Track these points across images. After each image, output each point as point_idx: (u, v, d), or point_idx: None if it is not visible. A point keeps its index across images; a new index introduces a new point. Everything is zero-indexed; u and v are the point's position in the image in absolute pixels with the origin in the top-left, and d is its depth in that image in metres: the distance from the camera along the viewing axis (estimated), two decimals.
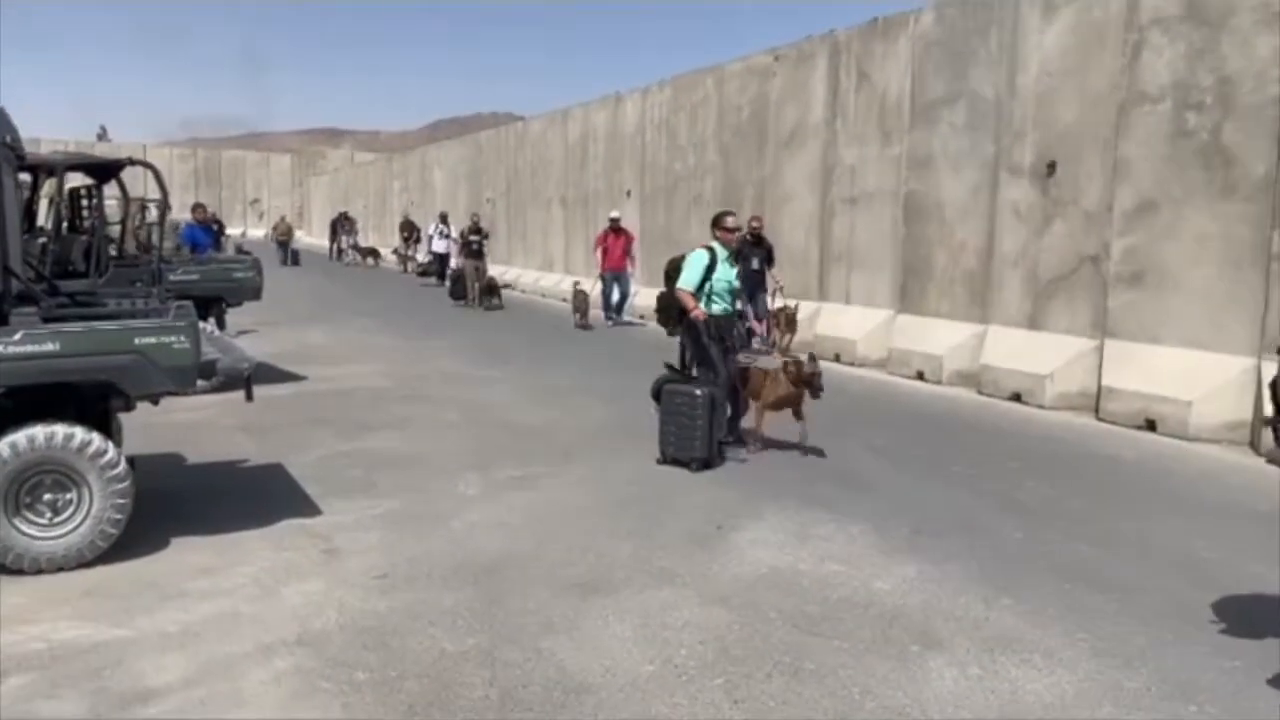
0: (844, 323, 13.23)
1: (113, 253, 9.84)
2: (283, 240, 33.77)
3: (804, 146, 14.23)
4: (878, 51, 12.82)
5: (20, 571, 4.67)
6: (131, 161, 9.07)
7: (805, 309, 14.08)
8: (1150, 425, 8.77)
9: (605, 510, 5.96)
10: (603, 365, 12.37)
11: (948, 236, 11.79)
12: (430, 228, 26.18)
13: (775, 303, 13.16)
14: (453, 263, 24.81)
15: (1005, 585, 4.76)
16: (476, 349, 13.43)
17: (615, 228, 16.77)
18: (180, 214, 48.72)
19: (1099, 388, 9.45)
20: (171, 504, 5.83)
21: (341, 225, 35.97)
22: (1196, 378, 8.61)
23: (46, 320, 4.75)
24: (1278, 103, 8.13)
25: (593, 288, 16.91)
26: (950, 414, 9.49)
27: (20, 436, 4.65)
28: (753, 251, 12.46)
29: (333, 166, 64.98)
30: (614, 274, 16.76)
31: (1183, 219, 8.93)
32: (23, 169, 10.49)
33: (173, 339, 4.82)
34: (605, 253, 16.65)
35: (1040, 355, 10.13)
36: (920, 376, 11.55)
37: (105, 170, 9.48)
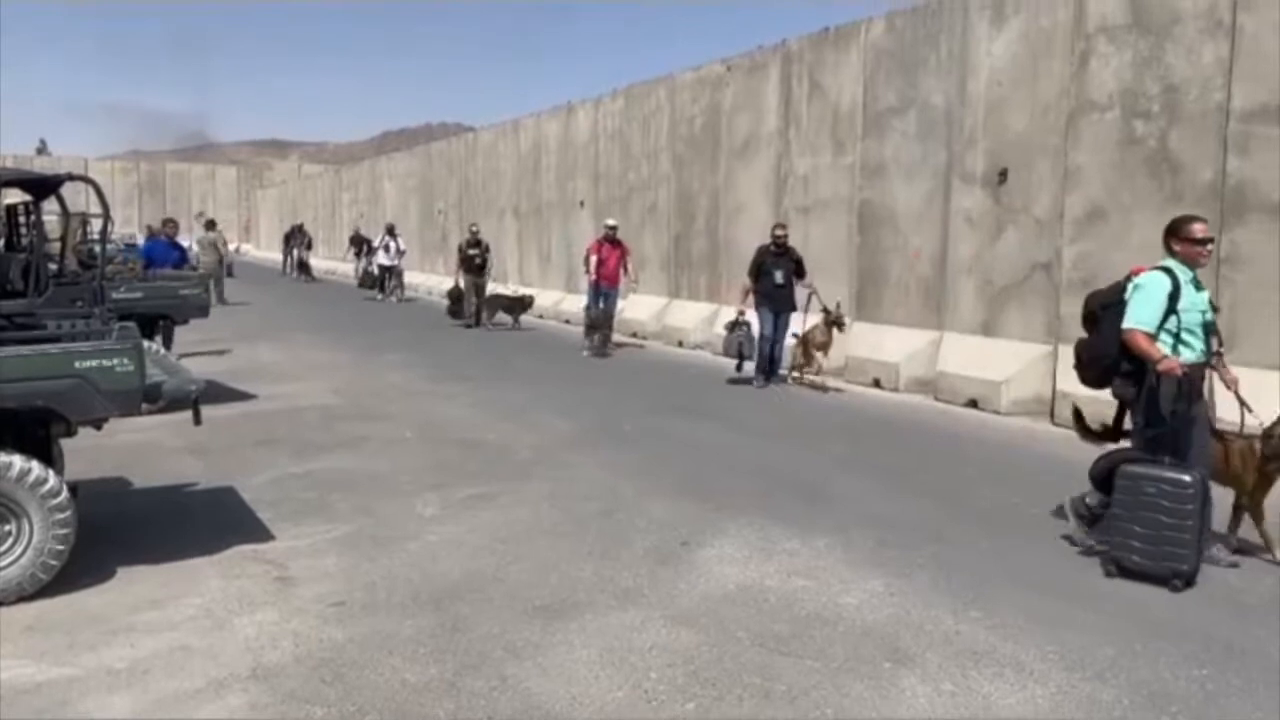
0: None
1: (53, 270, 9.55)
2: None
3: (757, 156, 14.25)
4: (830, 61, 12.88)
5: None
6: (70, 177, 8.77)
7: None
8: (877, 384, 9.02)
9: (567, 528, 5.85)
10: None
11: (902, 244, 11.86)
12: (377, 239, 25.83)
13: (810, 314, 11.55)
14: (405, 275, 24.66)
15: (973, 597, 4.74)
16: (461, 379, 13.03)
17: (611, 238, 14.86)
18: (124, 228, 47.66)
19: (1054, 393, 9.52)
20: (117, 531, 5.63)
21: (295, 237, 34.83)
22: None
23: None
24: (1223, 110, 8.27)
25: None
26: (908, 422, 9.51)
27: None
28: (778, 264, 11.43)
29: (280, 179, 64.18)
30: (607, 289, 14.87)
31: (1132, 226, 9.04)
32: None
33: (115, 362, 4.63)
34: (599, 264, 14.71)
35: (995, 362, 10.21)
36: (877, 384, 11.59)
37: (43, 186, 9.20)
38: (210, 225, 26.75)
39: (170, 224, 14.25)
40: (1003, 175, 10.44)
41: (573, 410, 9.76)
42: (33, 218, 9.12)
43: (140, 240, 31.18)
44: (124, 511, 6.13)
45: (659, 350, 15.29)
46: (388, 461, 7.55)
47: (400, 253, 24.68)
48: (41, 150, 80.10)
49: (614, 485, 6.86)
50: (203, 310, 9.97)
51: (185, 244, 17.44)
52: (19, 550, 4.56)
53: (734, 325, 11.71)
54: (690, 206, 15.89)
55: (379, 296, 24.59)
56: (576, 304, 19.02)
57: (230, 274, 34.90)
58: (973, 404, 10.15)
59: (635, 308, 16.57)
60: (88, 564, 4.93)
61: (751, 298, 11.56)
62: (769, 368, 11.59)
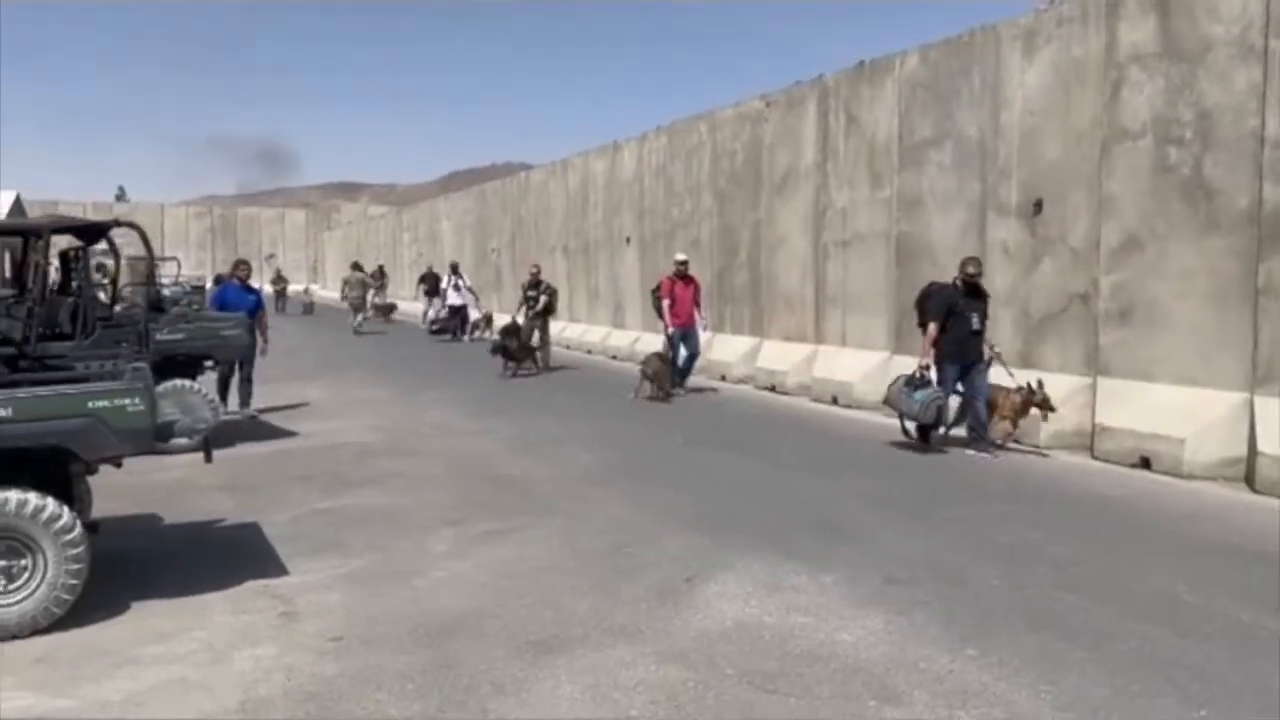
0: (840, 365, 13.15)
1: (103, 314, 9.93)
2: (279, 290, 38.64)
3: (796, 190, 14.26)
4: (865, 95, 12.88)
5: None
6: (118, 223, 9.16)
7: (800, 352, 14.05)
8: (1145, 463, 8.63)
9: (573, 564, 5.87)
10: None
11: (939, 277, 11.70)
12: (445, 280, 25.38)
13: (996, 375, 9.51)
14: (473, 314, 24.49)
15: (972, 635, 4.65)
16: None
17: (683, 274, 13.72)
18: (195, 270, 49.34)
19: (1093, 426, 9.31)
20: (139, 566, 5.80)
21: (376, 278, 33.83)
22: (1189, 414, 8.49)
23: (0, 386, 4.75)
24: (1257, 136, 8.08)
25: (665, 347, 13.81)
26: (942, 458, 9.35)
27: None
28: (970, 306, 9.39)
29: (346, 220, 65.74)
30: (683, 330, 13.65)
31: (1168, 254, 8.86)
32: (10, 233, 10.69)
33: (127, 401, 4.81)
34: (673, 303, 13.55)
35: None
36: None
37: (93, 232, 9.60)
38: (356, 267, 31.53)
39: (242, 266, 12.98)
40: (1038, 206, 10.32)
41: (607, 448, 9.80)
42: (81, 263, 9.50)
43: (209, 284, 32.29)
44: (148, 547, 6.31)
45: (711, 385, 15.26)
46: (412, 497, 7.66)
47: (470, 290, 24.43)
48: (120, 197, 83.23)
49: (629, 520, 6.87)
50: (244, 350, 10.25)
51: (257, 286, 17.89)
52: (34, 585, 4.73)
53: (919, 382, 9.38)
54: (732, 241, 15.94)
55: (449, 337, 24.24)
56: (623, 339, 19.19)
57: (310, 311, 36.16)
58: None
59: None
60: (103, 598, 5.08)
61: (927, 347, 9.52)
62: (982, 428, 9.35)
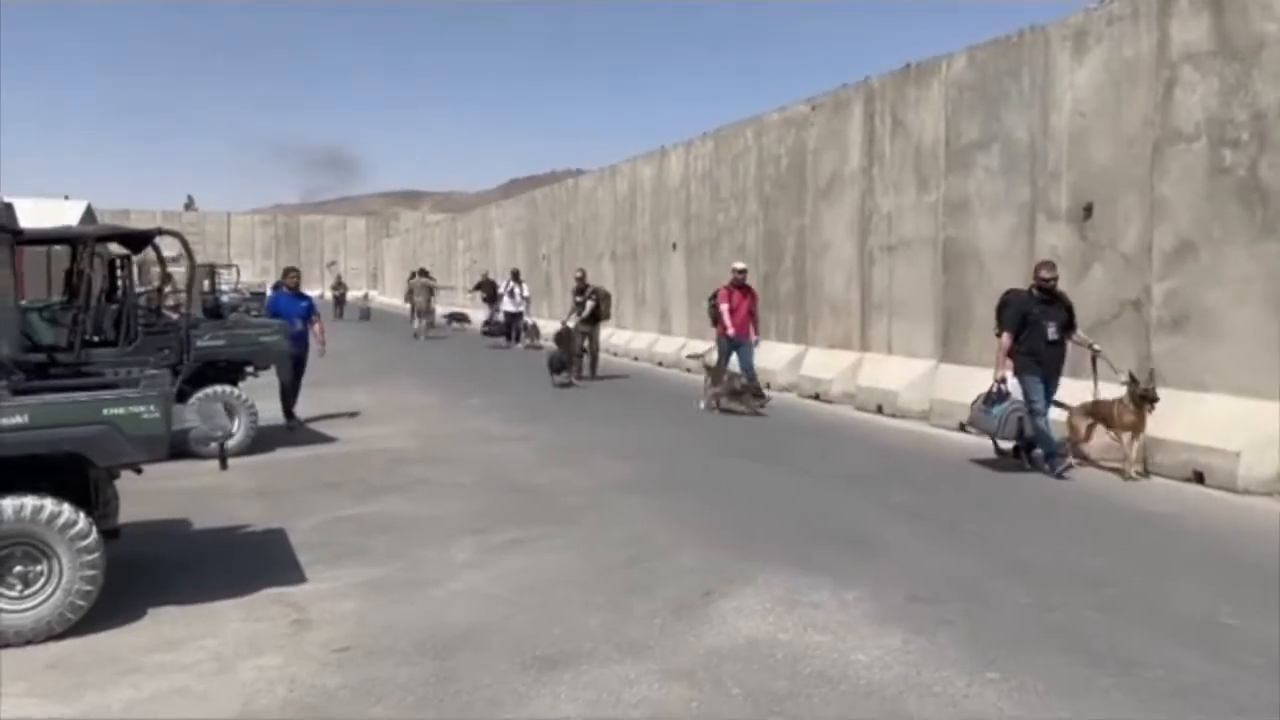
0: (885, 373, 12.89)
1: (147, 320, 10.09)
2: (338, 296, 39.64)
3: (842, 195, 14.04)
4: (911, 97, 12.64)
5: None
6: (160, 231, 9.30)
7: (845, 359, 13.82)
8: (1198, 477, 8.29)
9: (591, 576, 5.78)
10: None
11: (987, 283, 11.43)
12: (502, 286, 25.25)
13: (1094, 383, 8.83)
14: (527, 321, 24.46)
15: (994, 657, 4.46)
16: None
17: (741, 283, 13.35)
18: (260, 277, 50.78)
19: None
20: (160, 572, 5.84)
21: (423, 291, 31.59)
22: (1244, 427, 8.13)
23: (18, 393, 4.80)
24: None
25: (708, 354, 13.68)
26: (984, 469, 9.09)
27: None
28: (1046, 313, 8.76)
29: (404, 228, 66.59)
30: (739, 341, 13.21)
31: (1224, 260, 8.53)
32: (57, 242, 10.91)
33: (142, 409, 4.83)
34: (731, 313, 13.15)
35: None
36: (963, 428, 11.14)
37: (137, 240, 9.76)
38: (423, 273, 31.53)
39: (291, 273, 12.70)
40: (1088, 210, 10.01)
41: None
42: (127, 270, 9.65)
43: (269, 290, 32.93)
44: (172, 552, 6.35)
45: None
46: (439, 505, 7.64)
47: (525, 299, 24.21)
48: (189, 206, 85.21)
49: (654, 532, 6.76)
50: (284, 357, 10.34)
51: (313, 294, 17.99)
52: (49, 590, 4.77)
53: (995, 397, 8.86)
54: (777, 247, 15.76)
55: (505, 344, 23.94)
56: (669, 345, 19.08)
57: (367, 317, 36.74)
58: None
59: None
60: (122, 604, 5.12)
61: (1002, 359, 8.91)
62: (1050, 443, 8.73)
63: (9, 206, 5.73)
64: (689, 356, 13.96)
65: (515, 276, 24.74)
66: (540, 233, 28.79)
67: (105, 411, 4.78)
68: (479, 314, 28.94)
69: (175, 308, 21.84)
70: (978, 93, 11.53)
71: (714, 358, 13.38)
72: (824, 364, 14.21)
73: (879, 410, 12.56)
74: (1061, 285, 10.28)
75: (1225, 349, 8.52)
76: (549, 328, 21.83)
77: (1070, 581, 5.62)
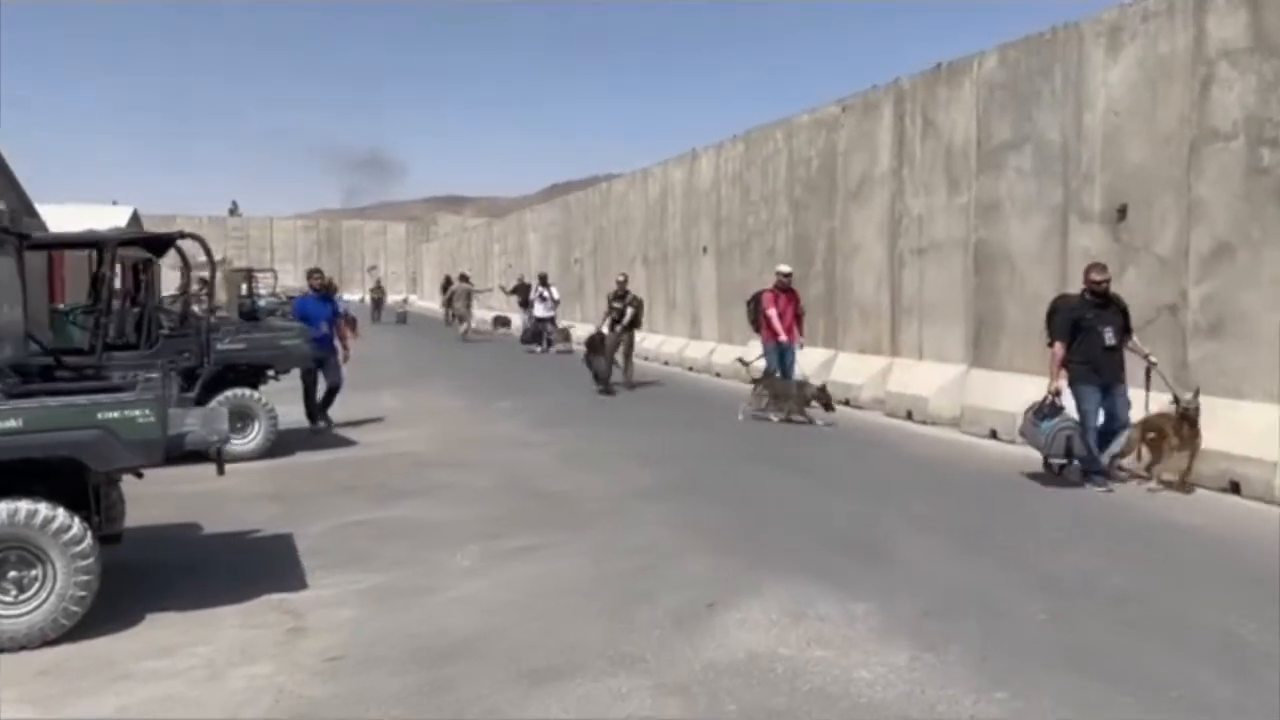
0: (915, 379, 12.65)
1: (170, 323, 10.15)
2: (377, 299, 40.48)
3: (872, 197, 13.83)
4: (942, 97, 12.40)
5: None
6: (182, 235, 9.37)
7: (875, 364, 13.59)
8: (1234, 487, 8.00)
9: (595, 585, 5.66)
10: None
11: (1019, 286, 11.19)
12: (532, 291, 25.10)
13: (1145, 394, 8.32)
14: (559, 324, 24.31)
15: (1004, 676, 4.28)
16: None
17: (786, 286, 12.96)
18: (300, 282, 51.63)
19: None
20: (163, 577, 5.82)
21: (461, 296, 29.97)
22: None
23: (13, 396, 4.78)
24: None
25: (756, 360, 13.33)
26: (1012, 478, 8.82)
27: None
28: (1100, 317, 8.25)
29: (443, 232, 67.02)
30: (785, 346, 12.84)
31: (1262, 262, 8.23)
32: (77, 246, 11.02)
33: (137, 413, 4.79)
34: (779, 318, 12.78)
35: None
36: (994, 435, 10.90)
37: (159, 243, 9.83)
38: (464, 278, 31.78)
39: (315, 275, 12.44)
40: (1122, 211, 9.72)
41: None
42: (148, 274, 9.72)
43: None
44: (177, 557, 6.33)
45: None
46: (453, 511, 7.56)
47: (555, 302, 24.06)
48: (233, 211, 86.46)
49: (666, 540, 6.63)
50: (304, 360, 10.33)
51: (353, 298, 17.82)
52: (43, 596, 4.74)
53: (1047, 410, 8.34)
54: (807, 249, 15.55)
55: (538, 349, 23.69)
56: (700, 350, 18.94)
57: (404, 321, 37.09)
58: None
59: (753, 353, 16.21)
60: (120, 609, 5.09)
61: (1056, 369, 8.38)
62: (1093, 461, 8.29)
63: (14, 211, 5.74)
64: (739, 361, 13.56)
65: (543, 281, 24.63)
66: (573, 236, 28.77)
67: (99, 416, 4.75)
68: (518, 318, 28.92)
69: (211, 310, 22.08)
70: (1009, 92, 11.28)
71: (761, 365, 13.14)
72: (854, 369, 13.98)
73: (909, 416, 12.33)
74: None
75: (1262, 354, 8.22)
76: (582, 331, 21.77)
77: (1092, 597, 5.40)
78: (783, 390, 12.33)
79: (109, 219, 28.65)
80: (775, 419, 12.15)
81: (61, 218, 21.56)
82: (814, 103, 15.89)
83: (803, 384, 12.27)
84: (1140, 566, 5.99)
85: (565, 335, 23.77)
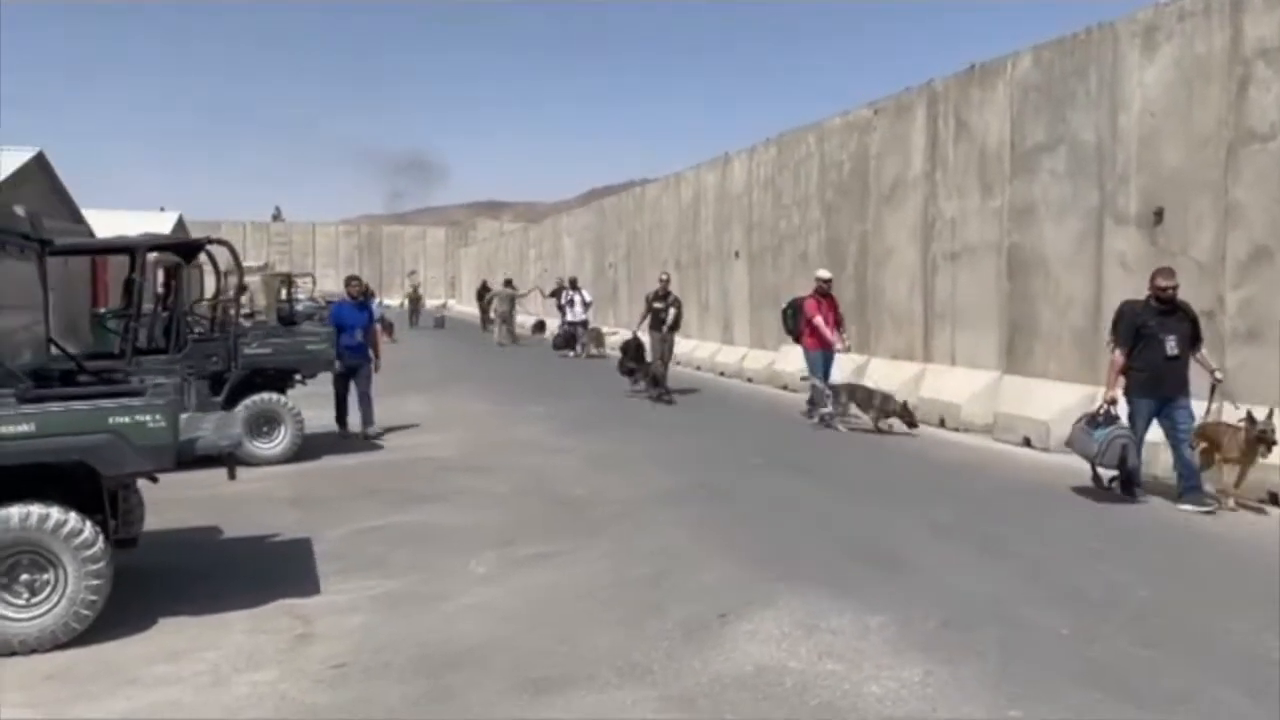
0: (948, 385, 12.46)
1: (200, 327, 10.26)
2: (414, 303, 40.28)
3: (905, 200, 13.67)
4: (975, 99, 12.22)
5: None
6: (210, 240, 9.46)
7: (908, 370, 13.41)
8: (1273, 499, 7.77)
9: (607, 594, 5.60)
10: None
11: (1053, 291, 10.99)
12: (562, 297, 24.95)
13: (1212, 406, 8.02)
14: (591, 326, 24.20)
15: (1021, 692, 4.15)
16: None
17: (825, 291, 12.65)
18: (335, 289, 51.87)
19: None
20: (177, 581, 5.85)
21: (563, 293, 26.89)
22: None
23: (26, 401, 4.82)
24: None
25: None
26: (1044, 487, 8.63)
27: None
28: (1164, 325, 7.77)
29: (481, 237, 67.45)
30: (827, 353, 12.63)
31: None
32: (114, 251, 11.15)
33: (148, 418, 4.81)
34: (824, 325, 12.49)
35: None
36: (1027, 443, 10.69)
37: (188, 249, 9.93)
38: (507, 283, 32.09)
39: (353, 283, 12.27)
40: (1158, 215, 9.50)
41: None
42: (178, 280, 9.82)
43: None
44: (193, 561, 6.35)
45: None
46: (473, 516, 7.54)
47: (586, 305, 23.92)
48: (277, 217, 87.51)
49: (682, 547, 6.55)
50: (330, 365, 10.37)
51: (393, 302, 17.70)
52: (54, 599, 4.76)
53: (1102, 419, 7.91)
54: (839, 254, 15.40)
55: (570, 354, 23.57)
56: (732, 355, 18.83)
57: (441, 325, 37.35)
58: None
59: (784, 358, 16.09)
60: (133, 613, 5.11)
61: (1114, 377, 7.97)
62: (1131, 477, 7.94)
63: (36, 216, 5.80)
64: (801, 379, 13.23)
65: (573, 285, 24.40)
66: (607, 241, 28.78)
67: (111, 420, 4.77)
68: (554, 322, 28.90)
69: (251, 315, 22.24)
70: (1043, 93, 11.09)
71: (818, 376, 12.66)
72: (886, 375, 13.77)
73: (941, 423, 12.13)
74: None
75: None
76: (615, 336, 21.73)
77: (1117, 612, 5.25)
78: (865, 399, 11.93)
79: (155, 225, 29.12)
80: (843, 429, 11.78)
81: (109, 223, 21.95)
82: (846, 105, 15.74)
83: (887, 396, 11.84)
84: (1168, 582, 5.81)
85: (598, 338, 23.63)
